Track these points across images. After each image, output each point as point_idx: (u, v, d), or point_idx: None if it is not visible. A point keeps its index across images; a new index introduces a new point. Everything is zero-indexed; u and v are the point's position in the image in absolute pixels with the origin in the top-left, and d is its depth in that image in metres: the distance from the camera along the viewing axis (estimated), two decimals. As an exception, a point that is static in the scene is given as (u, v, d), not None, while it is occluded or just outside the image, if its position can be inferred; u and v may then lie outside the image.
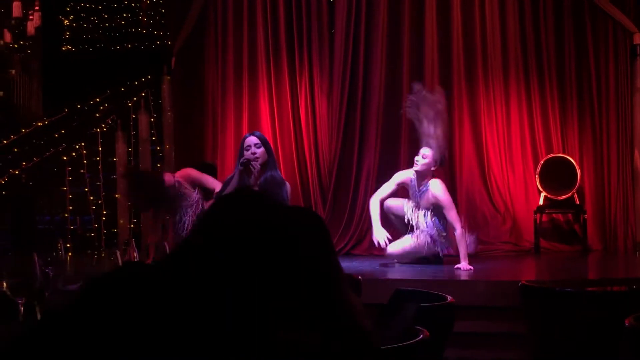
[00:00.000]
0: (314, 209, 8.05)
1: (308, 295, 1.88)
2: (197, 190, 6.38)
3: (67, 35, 11.21)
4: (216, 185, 6.84)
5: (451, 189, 7.72)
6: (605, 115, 7.91)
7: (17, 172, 8.62)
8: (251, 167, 4.69)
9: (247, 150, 4.78)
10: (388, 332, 3.08)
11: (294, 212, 1.74)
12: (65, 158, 8.61)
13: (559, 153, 7.80)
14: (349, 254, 7.54)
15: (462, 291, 5.17)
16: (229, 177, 4.97)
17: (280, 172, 7.82)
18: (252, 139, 4.84)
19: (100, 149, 8.85)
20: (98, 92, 9.66)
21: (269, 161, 4.81)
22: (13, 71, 9.95)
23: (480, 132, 7.92)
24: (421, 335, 2.59)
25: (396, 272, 6.19)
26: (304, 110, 8.19)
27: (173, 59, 8.77)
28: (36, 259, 2.88)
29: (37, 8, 9.26)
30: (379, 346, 2.13)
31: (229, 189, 4.65)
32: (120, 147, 8.58)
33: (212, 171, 8.14)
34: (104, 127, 9.02)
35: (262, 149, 4.77)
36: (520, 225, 7.80)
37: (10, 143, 9.11)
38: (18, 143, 9.11)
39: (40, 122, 9.37)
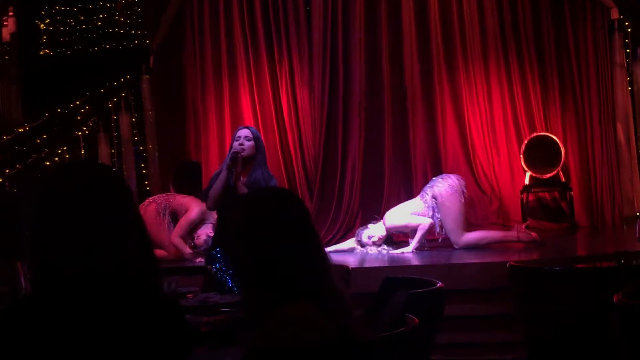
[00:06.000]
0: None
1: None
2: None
3: (44, 39, 11.10)
4: (190, 205, 7.08)
5: (436, 173, 7.74)
6: (586, 91, 7.92)
7: (0, 180, 8.55)
8: (239, 159, 4.62)
9: (237, 140, 4.67)
10: (379, 321, 3.08)
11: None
12: (48, 163, 8.56)
13: (542, 132, 7.82)
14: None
15: (453, 275, 5.18)
16: (216, 172, 4.86)
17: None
18: (244, 131, 4.72)
19: (82, 152, 8.80)
20: (78, 95, 9.58)
21: (258, 158, 4.73)
22: (-9, 78, 9.86)
23: (463, 116, 7.91)
24: (410, 323, 2.58)
25: (386, 260, 6.20)
26: (286, 103, 8.15)
27: (151, 58, 8.72)
28: (20, 267, 2.86)
29: (11, 14, 9.17)
30: (364, 336, 2.15)
31: (217, 184, 4.60)
32: (103, 149, 8.54)
33: (195, 169, 8.14)
34: (86, 130, 8.97)
35: (251, 143, 4.68)
36: (507, 205, 7.81)
37: (-7, 151, 9.04)
38: (1, 151, 9.03)
39: (21, 129, 9.29)
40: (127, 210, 1.69)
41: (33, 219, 1.63)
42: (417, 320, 2.61)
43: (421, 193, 6.81)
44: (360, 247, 6.84)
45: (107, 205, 1.65)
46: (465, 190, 6.74)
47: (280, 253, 1.95)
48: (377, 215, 7.08)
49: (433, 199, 6.64)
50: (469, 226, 7.01)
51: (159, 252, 7.08)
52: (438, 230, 6.65)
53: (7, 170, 8.72)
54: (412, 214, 6.71)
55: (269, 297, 1.96)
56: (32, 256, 1.64)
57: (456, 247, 6.58)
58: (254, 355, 1.83)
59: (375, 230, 6.80)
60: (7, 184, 8.36)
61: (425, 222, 6.58)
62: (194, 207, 7.06)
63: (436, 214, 6.64)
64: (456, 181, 6.74)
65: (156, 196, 7.52)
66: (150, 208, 7.22)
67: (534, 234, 6.61)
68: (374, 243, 6.76)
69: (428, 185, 6.83)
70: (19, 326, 1.56)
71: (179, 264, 6.66)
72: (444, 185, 6.66)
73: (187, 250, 6.98)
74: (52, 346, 1.54)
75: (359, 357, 2.00)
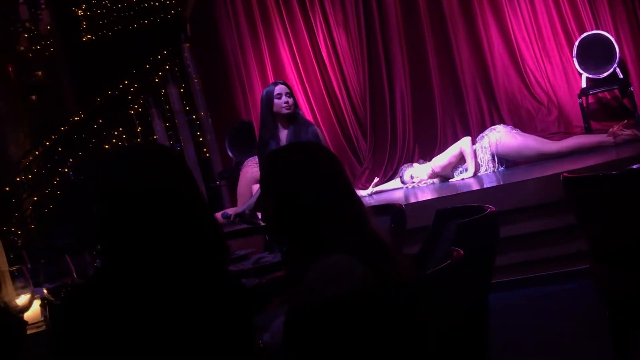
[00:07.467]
0: (354, 142, 7.99)
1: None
2: None
3: (84, 25, 11.24)
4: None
5: (488, 92, 7.57)
6: (632, -21, 7.51)
7: (66, 170, 8.79)
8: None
9: (279, 98, 4.52)
10: (432, 258, 3.05)
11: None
12: (107, 146, 8.73)
13: (592, 30, 7.51)
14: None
15: (512, 194, 5.08)
16: (260, 135, 4.74)
17: (315, 113, 7.78)
18: (283, 87, 4.50)
19: (139, 129, 8.94)
20: (125, 74, 9.70)
21: (297, 111, 4.65)
22: (40, 73, 10.06)
23: (507, 28, 7.65)
24: (454, 257, 2.53)
25: (442, 190, 6.10)
26: (325, 48, 8.07)
27: (188, 25, 8.72)
28: (69, 261, 2.92)
29: (43, 7, 9.29)
30: (412, 278, 2.14)
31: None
32: (157, 124, 8.65)
33: (248, 128, 8.17)
34: (138, 108, 9.09)
35: (291, 99, 4.59)
36: (567, 112, 7.56)
37: (54, 143, 9.27)
38: (60, 141, 9.26)
39: (76, 117, 9.48)
40: (189, 189, 1.70)
41: (100, 202, 1.66)
42: (462, 252, 2.56)
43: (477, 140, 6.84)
44: (402, 185, 6.84)
45: (170, 185, 1.66)
46: (513, 130, 6.88)
47: (311, 206, 1.94)
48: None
49: (487, 149, 6.65)
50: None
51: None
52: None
53: (70, 160, 8.94)
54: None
55: (304, 252, 1.95)
56: (101, 238, 1.66)
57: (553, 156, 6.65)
58: (294, 312, 1.84)
59: (419, 171, 6.77)
60: (71, 172, 8.58)
61: (464, 145, 6.56)
62: None
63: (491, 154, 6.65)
64: (503, 128, 6.86)
65: None
66: (254, 171, 7.23)
67: (633, 131, 6.51)
68: (413, 182, 6.74)
69: (478, 139, 6.86)
70: (90, 304, 1.58)
71: (242, 225, 6.72)
72: (495, 136, 6.75)
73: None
74: (119, 324, 1.56)
75: (403, 300, 1.98)
